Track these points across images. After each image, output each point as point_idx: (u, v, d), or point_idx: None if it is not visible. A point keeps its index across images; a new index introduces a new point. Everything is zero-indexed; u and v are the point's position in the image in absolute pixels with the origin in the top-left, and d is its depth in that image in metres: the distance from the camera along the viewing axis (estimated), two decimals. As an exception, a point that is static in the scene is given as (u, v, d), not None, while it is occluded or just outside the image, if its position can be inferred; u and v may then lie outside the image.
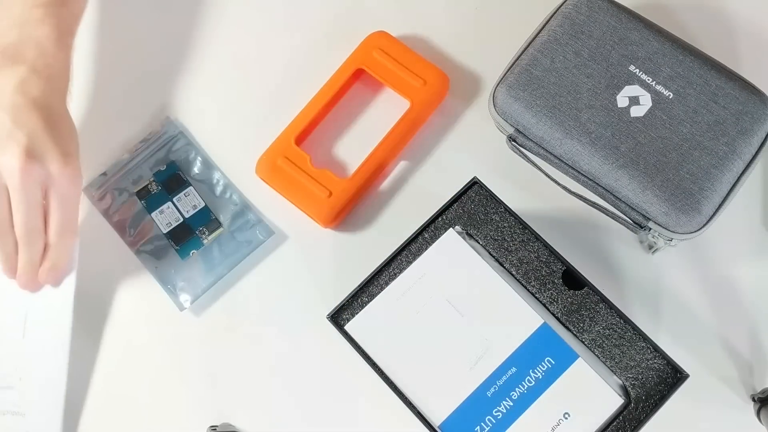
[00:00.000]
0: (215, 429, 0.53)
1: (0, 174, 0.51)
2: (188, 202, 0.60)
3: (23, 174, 0.50)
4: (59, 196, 0.52)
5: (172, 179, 0.60)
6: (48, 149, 0.50)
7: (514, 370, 0.46)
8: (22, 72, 0.52)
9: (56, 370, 0.55)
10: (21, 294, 0.55)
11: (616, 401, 0.45)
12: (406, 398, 0.46)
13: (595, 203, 0.55)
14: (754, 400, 0.52)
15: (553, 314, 0.48)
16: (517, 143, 0.56)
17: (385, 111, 0.60)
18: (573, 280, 0.49)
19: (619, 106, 0.53)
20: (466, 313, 0.47)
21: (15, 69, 0.52)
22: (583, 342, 0.48)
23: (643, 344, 0.47)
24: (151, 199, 0.60)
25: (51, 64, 0.53)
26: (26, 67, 0.52)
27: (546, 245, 0.49)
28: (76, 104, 0.64)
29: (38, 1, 0.54)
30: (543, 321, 0.46)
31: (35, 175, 0.50)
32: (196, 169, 0.61)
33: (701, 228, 0.51)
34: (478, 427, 0.45)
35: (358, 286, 0.49)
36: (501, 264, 0.50)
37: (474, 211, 0.51)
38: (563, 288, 0.49)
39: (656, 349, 0.46)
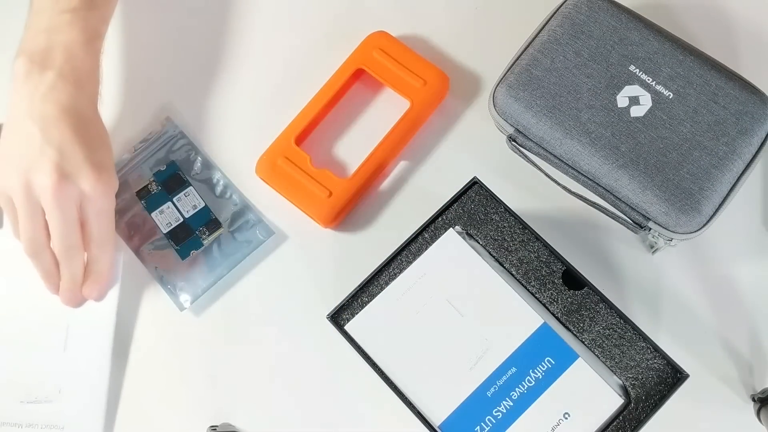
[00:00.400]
0: (215, 429, 0.53)
1: (33, 191, 0.50)
2: (188, 202, 0.60)
3: (56, 193, 0.49)
4: (94, 210, 0.51)
5: (172, 179, 0.60)
6: (80, 165, 0.50)
7: (514, 370, 0.46)
8: (51, 78, 0.51)
9: (97, 383, 0.55)
10: (63, 307, 0.54)
11: (616, 401, 0.45)
12: (406, 398, 0.46)
13: (595, 203, 0.55)
14: (754, 400, 0.52)
15: (553, 314, 0.48)
16: (517, 143, 0.56)
17: (385, 111, 0.60)
18: (573, 280, 0.49)
19: (619, 106, 0.53)
20: (466, 313, 0.47)
21: (43, 75, 0.51)
22: (583, 342, 0.48)
23: (643, 344, 0.47)
24: (151, 199, 0.60)
25: (79, 68, 0.53)
26: (54, 72, 0.51)
27: (546, 245, 0.49)
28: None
29: (66, 5, 0.53)
30: (543, 321, 0.46)
31: (68, 193, 0.50)
32: (196, 169, 0.61)
33: (701, 228, 0.51)
34: (478, 427, 0.45)
35: (358, 286, 0.49)
36: (501, 264, 0.50)
37: (474, 211, 0.51)
38: (563, 288, 0.49)
39: (656, 349, 0.46)
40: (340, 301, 0.49)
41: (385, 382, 0.47)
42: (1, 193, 0.52)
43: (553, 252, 0.49)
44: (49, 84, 0.51)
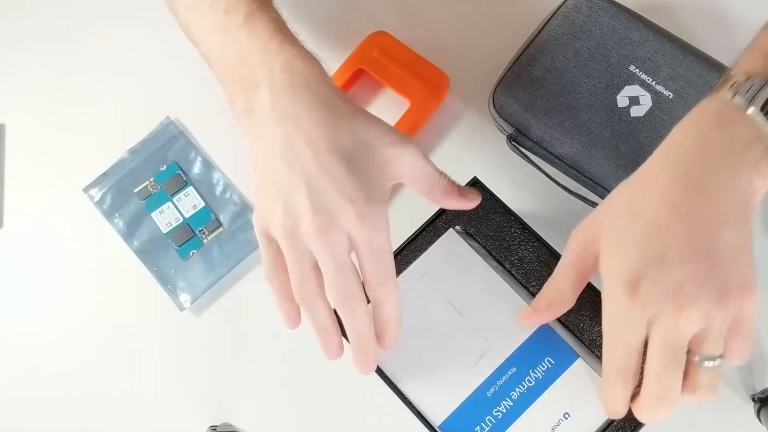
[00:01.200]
0: (215, 429, 0.53)
1: (296, 235, 0.40)
2: (188, 202, 0.60)
3: (320, 236, 0.39)
4: (366, 249, 0.40)
5: (172, 179, 0.60)
6: (335, 200, 0.39)
7: (514, 370, 0.46)
8: (265, 93, 0.41)
9: None
10: None
11: (616, 401, 0.45)
12: (405, 398, 0.46)
13: (595, 203, 0.55)
14: (754, 400, 0.52)
15: None
16: (517, 143, 0.56)
17: (385, 111, 0.60)
18: None
19: (619, 106, 0.53)
20: (466, 313, 0.47)
21: (259, 92, 0.42)
22: (583, 342, 0.48)
23: (643, 344, 0.47)
24: (151, 199, 0.60)
25: (287, 63, 0.42)
26: (266, 85, 0.41)
27: (546, 245, 0.49)
28: (77, 104, 0.64)
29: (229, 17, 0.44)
30: None
31: (332, 236, 0.40)
32: (196, 169, 0.61)
33: (701, 228, 0.51)
34: (478, 427, 0.45)
35: None
36: (501, 264, 0.50)
37: (474, 210, 0.51)
38: (563, 288, 0.49)
39: (656, 349, 0.46)
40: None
41: (385, 382, 0.47)
42: (266, 236, 0.42)
43: (553, 252, 0.49)
44: (266, 103, 0.41)
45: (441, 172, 0.44)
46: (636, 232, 0.38)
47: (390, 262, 0.41)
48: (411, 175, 0.43)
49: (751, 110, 0.37)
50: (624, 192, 0.40)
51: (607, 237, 0.39)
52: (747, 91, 0.38)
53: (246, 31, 0.43)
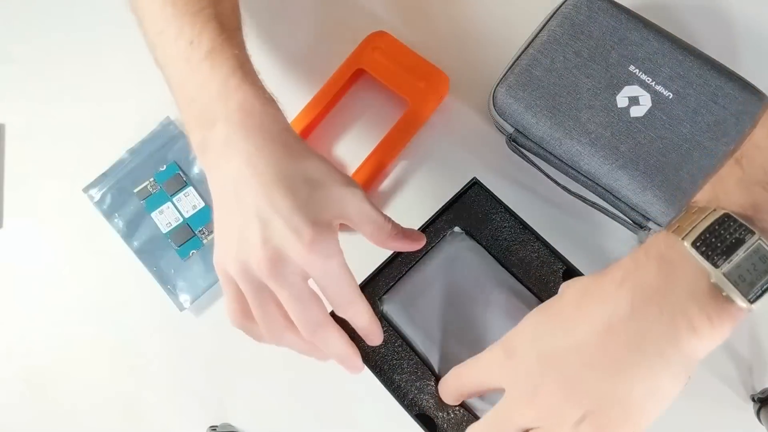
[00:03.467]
0: (215, 429, 0.53)
1: (251, 273, 0.41)
2: (188, 202, 0.60)
3: (272, 272, 0.40)
4: (322, 276, 0.41)
5: (171, 179, 0.60)
6: (282, 233, 0.40)
7: None
8: (220, 131, 0.41)
9: None
10: None
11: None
12: (404, 399, 0.46)
13: (594, 203, 0.55)
14: (754, 400, 0.52)
15: None
16: (517, 143, 0.56)
17: (385, 111, 0.60)
18: None
19: (618, 106, 0.53)
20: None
21: (212, 132, 0.42)
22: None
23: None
24: (151, 199, 0.60)
25: (237, 97, 0.42)
26: (221, 122, 0.42)
27: (546, 245, 0.49)
28: (77, 104, 0.64)
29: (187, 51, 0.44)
30: None
31: (283, 270, 0.40)
32: (195, 169, 0.61)
33: (701, 228, 0.51)
34: None
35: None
36: (501, 264, 0.50)
37: (474, 211, 0.51)
38: (563, 288, 0.49)
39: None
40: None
41: (381, 382, 0.47)
42: (225, 275, 0.43)
43: (553, 252, 0.49)
44: (220, 139, 0.41)
45: (386, 217, 0.44)
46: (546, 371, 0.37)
47: (351, 282, 0.42)
48: (357, 217, 0.43)
49: (686, 243, 0.35)
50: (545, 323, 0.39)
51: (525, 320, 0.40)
52: (689, 222, 0.35)
53: (208, 64, 0.43)
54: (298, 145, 0.42)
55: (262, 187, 0.40)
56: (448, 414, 0.46)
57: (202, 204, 0.60)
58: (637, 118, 0.53)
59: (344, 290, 0.42)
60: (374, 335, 0.45)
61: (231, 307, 0.43)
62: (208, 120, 0.42)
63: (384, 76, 0.59)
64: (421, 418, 0.46)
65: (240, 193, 0.41)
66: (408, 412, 0.46)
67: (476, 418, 0.46)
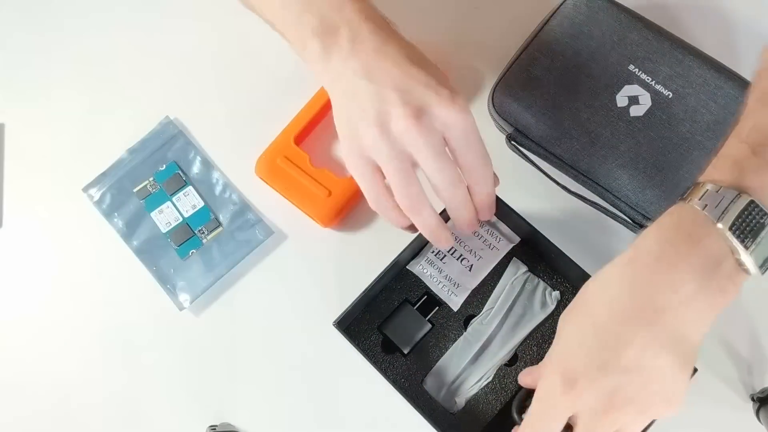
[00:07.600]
0: (215, 429, 0.53)
1: (394, 141, 0.42)
2: (188, 202, 0.60)
3: (418, 129, 0.42)
4: (460, 133, 0.43)
5: (171, 179, 0.60)
6: (425, 93, 0.42)
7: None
8: (345, 33, 0.44)
9: None
10: None
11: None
12: (405, 398, 0.46)
13: (594, 203, 0.55)
14: (753, 399, 0.52)
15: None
16: (516, 143, 0.56)
17: (385, 111, 0.60)
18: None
19: (618, 105, 0.53)
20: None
21: (337, 37, 0.44)
22: None
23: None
24: (150, 199, 0.60)
25: (358, 10, 0.45)
26: (345, 27, 0.44)
27: (546, 245, 0.49)
28: (76, 104, 0.64)
29: None
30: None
31: (429, 125, 0.42)
32: (195, 169, 0.61)
33: (701, 227, 0.51)
34: None
35: (363, 292, 0.49)
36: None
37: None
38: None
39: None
40: (346, 308, 0.49)
41: (383, 377, 0.47)
42: (358, 163, 0.45)
43: (554, 251, 0.49)
44: (346, 39, 0.44)
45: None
46: (586, 335, 0.39)
47: (481, 143, 0.44)
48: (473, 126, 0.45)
49: (720, 225, 0.37)
50: (590, 288, 0.41)
51: (563, 326, 0.41)
52: (717, 205, 0.37)
53: None
54: (421, 53, 0.45)
55: (396, 66, 0.43)
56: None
57: (202, 204, 0.60)
58: (636, 118, 0.53)
59: (480, 147, 0.44)
60: (493, 204, 0.46)
61: (372, 190, 0.45)
62: (329, 27, 0.44)
63: (384, 76, 0.59)
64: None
65: (374, 77, 0.43)
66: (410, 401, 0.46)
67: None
